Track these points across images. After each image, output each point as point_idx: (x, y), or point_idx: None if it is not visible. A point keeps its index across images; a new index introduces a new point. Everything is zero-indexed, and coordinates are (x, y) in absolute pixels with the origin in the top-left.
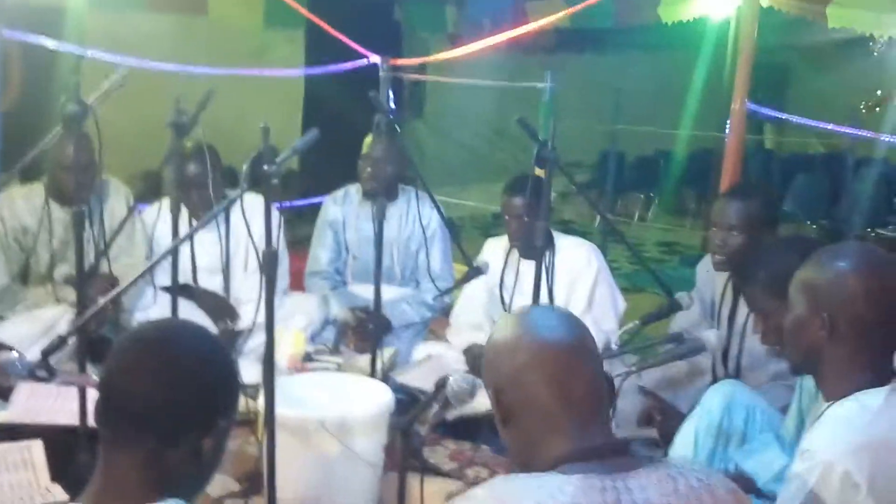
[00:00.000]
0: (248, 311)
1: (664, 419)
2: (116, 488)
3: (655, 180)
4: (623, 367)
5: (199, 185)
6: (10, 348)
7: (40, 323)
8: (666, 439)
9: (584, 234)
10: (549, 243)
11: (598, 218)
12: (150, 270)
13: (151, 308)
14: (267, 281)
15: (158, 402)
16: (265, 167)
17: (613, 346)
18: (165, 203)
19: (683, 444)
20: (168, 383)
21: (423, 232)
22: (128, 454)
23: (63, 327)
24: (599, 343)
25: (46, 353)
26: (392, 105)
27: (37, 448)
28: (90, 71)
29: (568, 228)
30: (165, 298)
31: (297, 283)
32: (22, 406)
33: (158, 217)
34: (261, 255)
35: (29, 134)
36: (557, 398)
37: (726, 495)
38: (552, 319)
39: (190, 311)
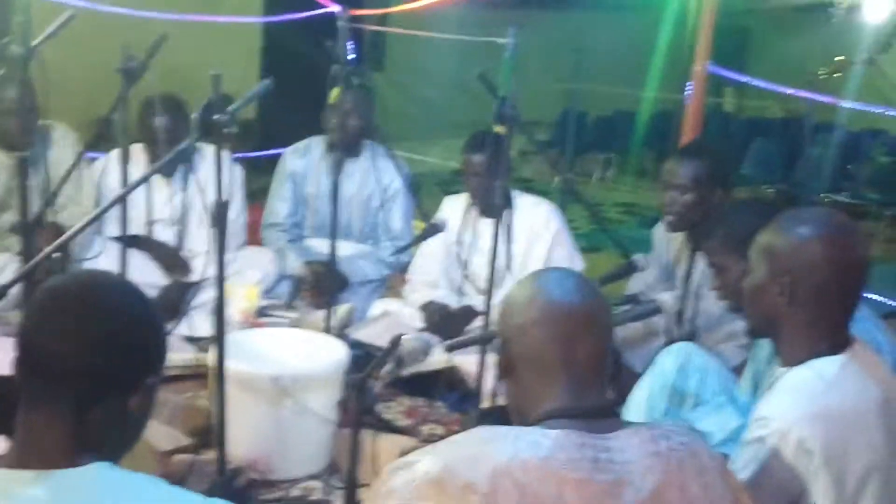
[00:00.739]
0: (201, 263)
1: (617, 377)
2: (35, 449)
3: (615, 141)
4: None
5: (165, 139)
6: None
7: None
8: (619, 400)
9: (543, 194)
10: (508, 202)
11: (558, 177)
12: (98, 218)
13: (100, 258)
14: (218, 233)
15: (77, 360)
16: (216, 116)
17: None
18: (115, 153)
19: (636, 404)
20: (87, 340)
21: (385, 190)
22: (46, 413)
23: (8, 276)
24: None
25: None
26: (351, 56)
27: None
28: (41, 14)
29: (527, 187)
30: (115, 249)
31: (254, 236)
32: None
33: (107, 166)
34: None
35: None
36: (558, 357)
37: (710, 461)
38: (570, 283)
39: (140, 262)
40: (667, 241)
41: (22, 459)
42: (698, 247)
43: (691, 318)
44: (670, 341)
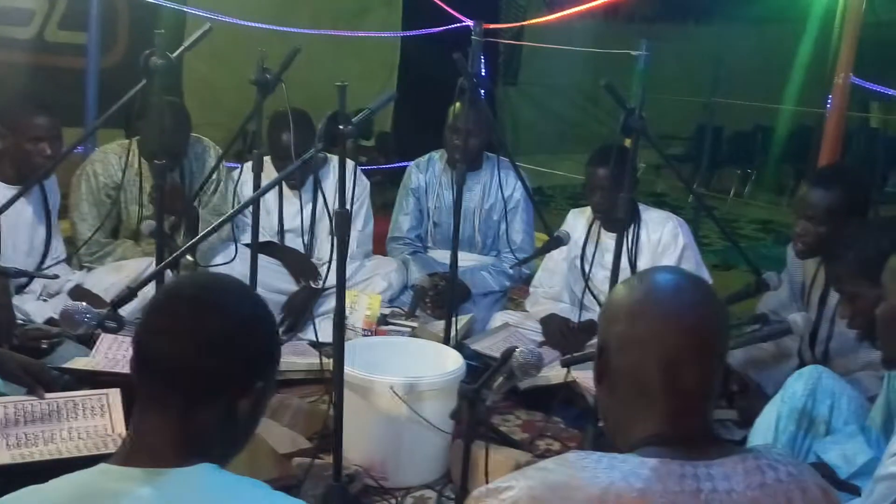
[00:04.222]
0: (329, 271)
1: (746, 399)
2: (145, 448)
3: (753, 156)
4: None
5: (291, 154)
6: (97, 297)
7: (126, 273)
8: (746, 420)
9: (676, 209)
10: (634, 216)
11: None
12: (225, 223)
13: (233, 262)
14: (338, 242)
15: (188, 360)
16: (340, 127)
17: None
18: (249, 164)
19: (764, 427)
20: (199, 342)
21: (505, 202)
22: (157, 413)
23: None
24: None
25: (116, 305)
26: (483, 70)
27: (114, 396)
28: (194, 30)
29: (660, 202)
30: (247, 253)
31: (383, 247)
32: (103, 355)
33: (241, 176)
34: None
35: (128, 90)
36: (664, 384)
37: (817, 492)
38: (688, 294)
39: (271, 268)
40: (802, 260)
41: (133, 457)
42: (830, 266)
43: (825, 342)
44: (802, 364)
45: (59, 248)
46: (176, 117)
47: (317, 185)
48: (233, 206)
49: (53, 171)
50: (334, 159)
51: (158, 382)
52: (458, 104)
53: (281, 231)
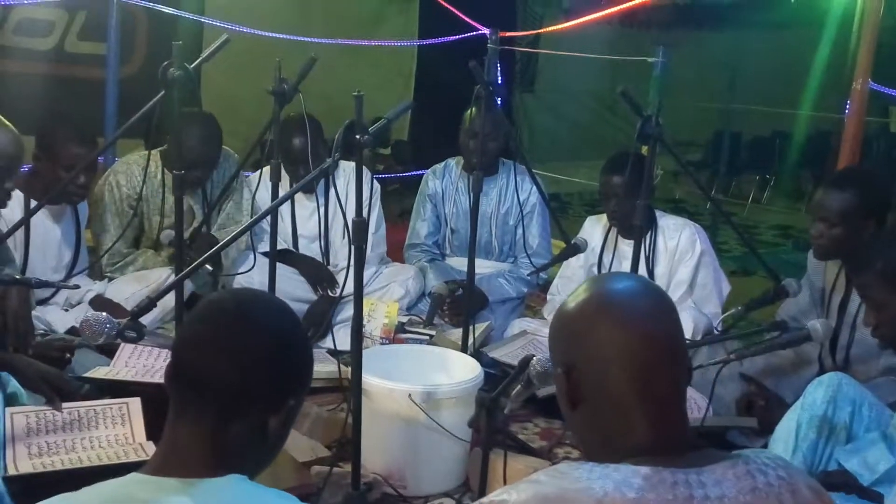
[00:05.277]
0: (345, 278)
1: (766, 407)
2: (178, 458)
3: (772, 162)
4: (724, 353)
5: (303, 158)
6: (118, 306)
7: (146, 283)
8: (766, 428)
9: (694, 215)
10: (651, 223)
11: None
12: (245, 232)
13: (251, 272)
14: (355, 250)
15: (225, 375)
16: (357, 136)
17: (716, 331)
18: (266, 170)
19: (784, 434)
20: (239, 359)
21: (521, 207)
22: (192, 424)
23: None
24: (701, 326)
25: (136, 315)
26: (500, 78)
27: (135, 405)
28: (212, 41)
29: (678, 208)
30: (265, 263)
31: (400, 254)
32: (124, 364)
33: (259, 184)
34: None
35: (148, 101)
36: (638, 392)
37: (809, 494)
38: (644, 299)
39: (289, 276)
40: (822, 265)
41: (165, 467)
42: (855, 274)
43: (845, 348)
44: (822, 371)
45: (84, 262)
46: (208, 128)
47: (329, 188)
48: (249, 215)
49: (85, 198)
50: (344, 163)
51: (193, 394)
52: (473, 109)
53: (294, 236)
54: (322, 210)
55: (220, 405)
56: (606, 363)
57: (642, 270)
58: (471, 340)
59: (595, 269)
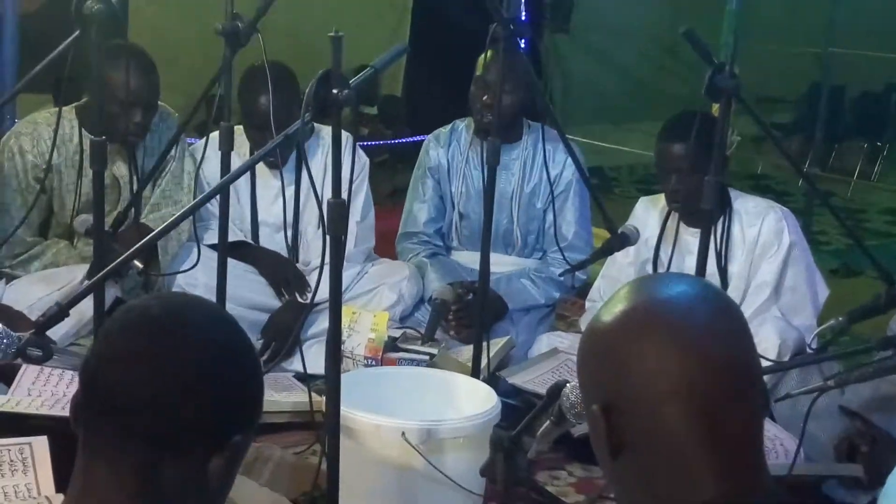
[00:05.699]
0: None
1: (873, 451)
2: None
3: (885, 125)
4: (820, 379)
5: (273, 121)
6: (19, 315)
7: (56, 285)
8: (874, 479)
9: (781, 196)
10: (724, 206)
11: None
12: (188, 216)
13: (195, 270)
14: (332, 241)
15: (152, 401)
16: (334, 91)
17: (809, 349)
18: (215, 136)
19: None
20: (167, 382)
21: (552, 185)
22: (108, 468)
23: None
24: (789, 343)
25: (42, 327)
26: (524, 13)
27: (40, 447)
28: None
29: (760, 186)
30: (213, 258)
31: (391, 247)
32: (26, 392)
33: (205, 153)
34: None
35: (57, 43)
36: (701, 436)
37: None
38: (705, 310)
39: (245, 277)
40: None
41: None
42: None
43: None
44: None
45: None
46: (141, 60)
47: (301, 164)
48: (192, 195)
49: None
50: (324, 129)
51: (110, 428)
52: (488, 54)
53: (254, 224)
54: (292, 189)
55: (144, 442)
56: (657, 398)
57: (712, 269)
58: (484, 361)
59: (649, 268)
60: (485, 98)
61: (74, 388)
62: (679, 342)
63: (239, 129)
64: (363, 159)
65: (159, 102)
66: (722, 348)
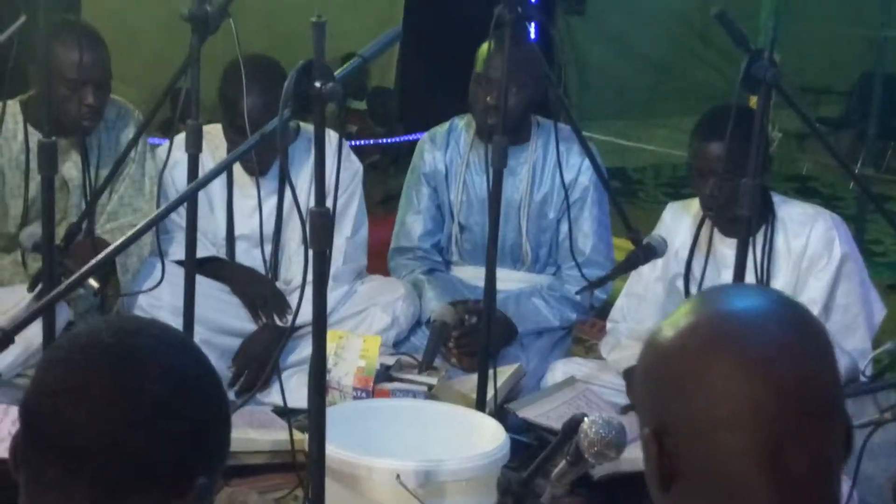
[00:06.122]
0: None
1: None
2: None
3: None
4: (875, 411)
5: (258, 123)
6: None
7: (1, 306)
8: None
9: (830, 201)
10: (766, 213)
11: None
12: (150, 229)
13: (159, 289)
14: (314, 256)
15: (104, 441)
16: (317, 84)
17: (863, 377)
18: (181, 137)
19: None
20: (121, 416)
21: (566, 191)
22: None
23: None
24: (841, 370)
25: None
26: None
27: None
28: None
29: (806, 189)
30: (179, 275)
31: (382, 263)
32: None
33: (170, 156)
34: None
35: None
36: (765, 469)
37: None
38: (780, 327)
39: (216, 297)
40: None
41: None
42: None
43: None
44: None
45: None
46: (91, 37)
47: (284, 170)
48: (156, 203)
49: None
50: (309, 130)
51: (55, 470)
52: (491, 43)
53: (230, 238)
54: (274, 199)
55: (94, 487)
56: (716, 423)
57: (751, 283)
58: (490, 393)
59: (680, 284)
60: (488, 99)
61: (13, 423)
62: (747, 362)
63: (217, 129)
64: (355, 165)
65: (118, 98)
66: (796, 371)
